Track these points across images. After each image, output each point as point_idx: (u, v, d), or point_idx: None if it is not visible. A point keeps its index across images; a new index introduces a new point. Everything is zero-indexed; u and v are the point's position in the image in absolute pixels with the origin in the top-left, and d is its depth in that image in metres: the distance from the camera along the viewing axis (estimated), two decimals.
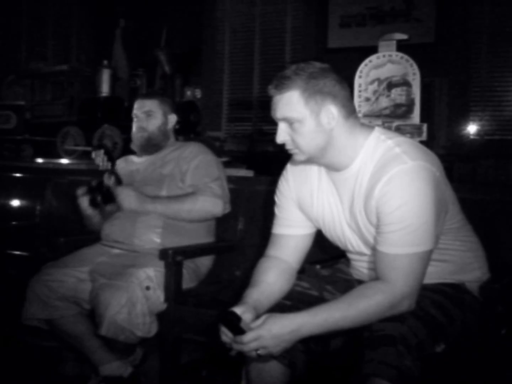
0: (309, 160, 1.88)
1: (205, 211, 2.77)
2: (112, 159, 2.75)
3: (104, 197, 2.73)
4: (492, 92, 4.75)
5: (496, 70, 4.71)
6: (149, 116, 2.91)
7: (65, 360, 3.06)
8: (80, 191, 2.79)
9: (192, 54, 5.38)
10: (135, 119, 2.94)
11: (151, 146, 2.93)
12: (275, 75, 1.82)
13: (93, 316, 2.61)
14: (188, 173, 2.80)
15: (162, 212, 2.75)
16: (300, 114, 1.78)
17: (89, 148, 4.12)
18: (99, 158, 2.74)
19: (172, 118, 2.97)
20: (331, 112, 1.79)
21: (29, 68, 5.46)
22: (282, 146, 1.87)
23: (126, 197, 2.72)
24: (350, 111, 1.83)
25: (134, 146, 2.98)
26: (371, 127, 1.89)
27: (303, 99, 1.78)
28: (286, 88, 1.78)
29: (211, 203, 2.76)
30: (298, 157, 1.86)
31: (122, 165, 3.06)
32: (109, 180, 2.76)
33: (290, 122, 1.80)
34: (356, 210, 1.86)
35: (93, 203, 2.74)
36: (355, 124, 1.85)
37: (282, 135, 1.83)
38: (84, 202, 2.78)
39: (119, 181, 2.74)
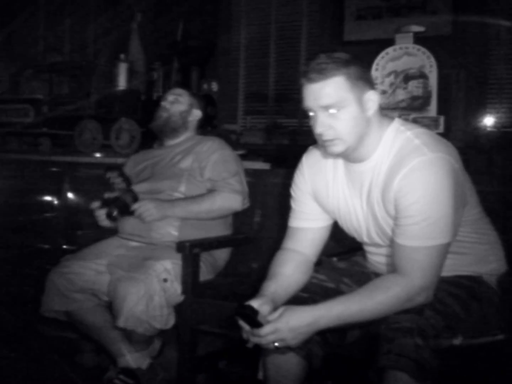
0: (345, 151, 1.83)
1: (225, 208, 2.79)
2: (127, 179, 2.76)
3: (121, 212, 2.70)
4: (509, 84, 4.71)
5: None
6: (176, 100, 2.98)
7: (84, 351, 3.09)
8: (95, 204, 2.74)
9: (208, 47, 5.37)
10: (162, 103, 3.00)
11: (169, 129, 2.97)
12: (309, 65, 1.78)
13: (111, 308, 2.63)
14: (207, 168, 2.82)
15: (183, 216, 2.76)
16: (345, 100, 1.77)
17: (107, 142, 4.15)
18: (114, 179, 2.74)
19: (197, 113, 3.02)
20: (372, 97, 1.80)
21: (46, 62, 5.49)
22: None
23: (146, 211, 2.70)
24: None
25: (153, 126, 3.02)
26: (391, 118, 1.89)
27: (348, 83, 1.76)
28: (331, 74, 1.75)
29: (230, 200, 2.78)
30: (337, 148, 1.81)
31: (139, 158, 3.08)
32: (126, 197, 2.74)
33: (334, 108, 1.77)
34: (374, 201, 1.86)
35: (110, 217, 2.70)
36: (382, 115, 1.86)
37: (324, 124, 1.79)
38: (101, 215, 2.73)
39: (135, 199, 2.72)
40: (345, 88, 1.76)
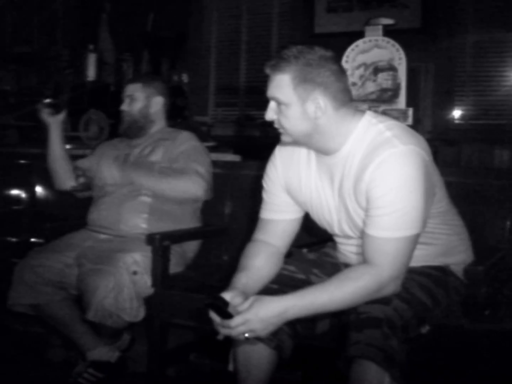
0: (296, 143, 1.89)
1: (189, 192, 2.75)
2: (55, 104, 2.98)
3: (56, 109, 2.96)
4: (477, 77, 4.77)
5: (481, 55, 4.72)
6: (131, 100, 2.93)
7: (52, 345, 3.07)
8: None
9: (179, 39, 5.35)
10: (121, 107, 2.97)
11: (135, 129, 2.94)
12: (275, 53, 1.83)
13: (80, 301, 2.61)
14: (177, 159, 2.80)
15: (146, 184, 2.75)
16: (287, 98, 1.79)
17: (76, 133, 4.11)
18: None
19: (157, 101, 2.95)
20: (319, 103, 1.78)
21: (14, 52, 5.42)
22: (271, 125, 1.88)
23: (107, 171, 2.72)
24: (342, 102, 1.82)
25: (121, 132, 3.00)
26: (362, 112, 1.89)
27: (293, 84, 1.77)
28: (279, 70, 1.78)
29: (195, 184, 2.74)
30: (285, 138, 1.88)
31: (108, 148, 3.06)
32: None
33: (278, 102, 1.81)
34: (345, 193, 1.87)
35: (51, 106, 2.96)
36: (347, 113, 1.84)
37: (271, 113, 1.85)
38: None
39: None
40: (289, 88, 1.78)
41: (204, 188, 2.75)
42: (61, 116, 2.97)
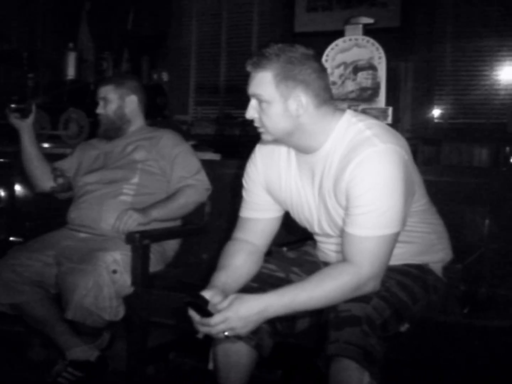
0: (277, 141, 1.90)
1: (196, 202, 2.82)
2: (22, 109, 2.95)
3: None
4: (456, 76, 4.80)
5: (460, 54, 4.75)
6: (105, 102, 2.91)
7: (32, 345, 3.05)
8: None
9: (159, 37, 5.34)
10: (97, 111, 2.96)
11: (113, 130, 2.93)
12: (257, 51, 1.84)
13: (59, 300, 2.60)
14: (174, 165, 2.81)
15: (164, 215, 2.74)
16: (269, 95, 1.79)
17: (55, 132, 4.10)
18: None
19: (132, 99, 2.94)
20: (301, 100, 1.79)
21: None
22: (251, 124, 1.88)
23: (130, 220, 2.65)
24: (323, 100, 1.83)
25: (99, 135, 3.00)
26: (342, 110, 1.90)
27: (275, 81, 1.78)
28: (261, 67, 1.79)
29: (201, 194, 2.83)
30: (265, 136, 1.88)
31: (88, 148, 3.04)
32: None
33: (259, 100, 1.82)
34: (325, 192, 1.87)
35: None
36: (328, 112, 1.85)
37: (252, 111, 1.85)
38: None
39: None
40: (271, 85, 1.78)
41: (207, 190, 2.84)
42: (30, 120, 2.93)
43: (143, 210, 2.69)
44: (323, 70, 1.85)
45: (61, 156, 3.11)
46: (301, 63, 1.79)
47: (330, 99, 1.87)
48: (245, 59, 1.84)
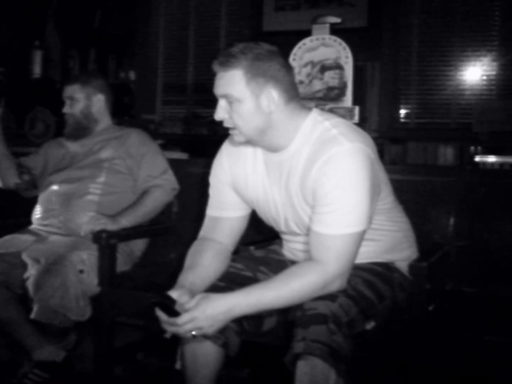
0: (249, 142, 1.89)
1: (164, 202, 2.82)
2: None
3: None
4: (422, 76, 4.84)
5: (426, 55, 4.80)
6: (71, 101, 2.89)
7: None
8: None
9: (126, 36, 5.31)
10: (63, 110, 2.94)
11: (80, 130, 2.91)
12: (222, 51, 1.82)
13: (25, 300, 2.57)
14: (141, 165, 2.80)
15: (134, 222, 2.71)
16: (240, 93, 1.79)
17: (21, 131, 4.05)
18: None
19: (98, 98, 2.92)
20: (272, 96, 1.80)
21: None
22: (221, 125, 1.88)
23: (98, 224, 2.61)
24: (292, 96, 1.84)
25: (65, 135, 2.96)
26: (309, 109, 1.91)
27: (245, 79, 1.78)
28: (230, 66, 1.78)
29: (169, 194, 2.82)
30: (237, 137, 1.87)
31: (54, 146, 3.02)
32: None
33: (230, 100, 1.81)
34: (292, 190, 1.88)
35: None
36: (296, 108, 1.86)
37: (221, 112, 1.84)
38: None
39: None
40: (242, 83, 1.78)
41: (174, 190, 2.83)
42: None
43: (113, 218, 2.67)
44: (289, 66, 1.87)
45: (27, 155, 3.07)
46: (269, 59, 1.79)
47: (297, 96, 1.89)
48: (213, 58, 1.84)
